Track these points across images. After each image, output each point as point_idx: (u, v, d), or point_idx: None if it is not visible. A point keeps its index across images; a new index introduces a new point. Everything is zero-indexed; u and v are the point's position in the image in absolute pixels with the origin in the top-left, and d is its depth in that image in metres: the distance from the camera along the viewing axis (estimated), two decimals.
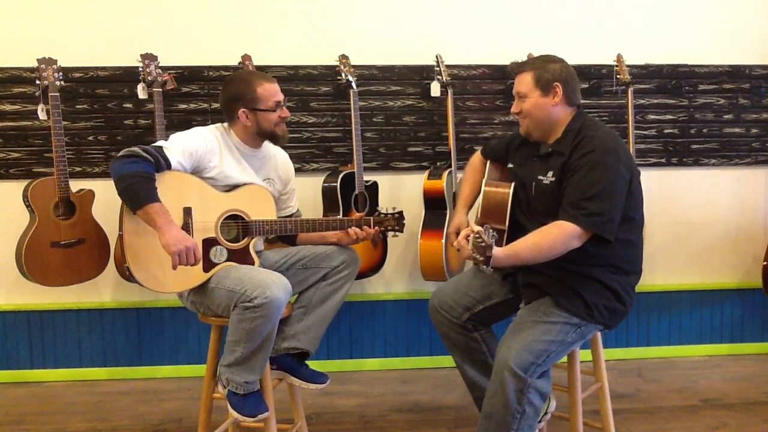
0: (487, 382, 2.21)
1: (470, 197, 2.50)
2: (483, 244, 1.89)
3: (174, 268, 2.15)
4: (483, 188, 2.33)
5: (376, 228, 2.50)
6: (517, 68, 2.28)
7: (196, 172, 2.31)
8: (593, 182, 2.06)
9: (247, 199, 2.36)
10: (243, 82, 2.39)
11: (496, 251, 1.93)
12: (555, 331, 2.11)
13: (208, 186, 2.32)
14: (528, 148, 2.34)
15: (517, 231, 2.17)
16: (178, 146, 2.26)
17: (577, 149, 2.13)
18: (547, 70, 2.20)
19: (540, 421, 2.24)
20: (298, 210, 2.66)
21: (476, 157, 2.56)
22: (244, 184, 2.38)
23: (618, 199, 2.08)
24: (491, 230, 1.94)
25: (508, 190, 2.28)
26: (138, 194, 2.14)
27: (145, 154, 2.17)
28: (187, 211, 2.26)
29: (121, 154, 2.18)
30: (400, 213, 2.56)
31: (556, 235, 2.04)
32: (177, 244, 2.13)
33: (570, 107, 2.23)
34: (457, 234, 2.33)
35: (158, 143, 2.27)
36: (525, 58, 3.29)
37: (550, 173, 2.19)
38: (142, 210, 2.14)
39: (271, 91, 2.38)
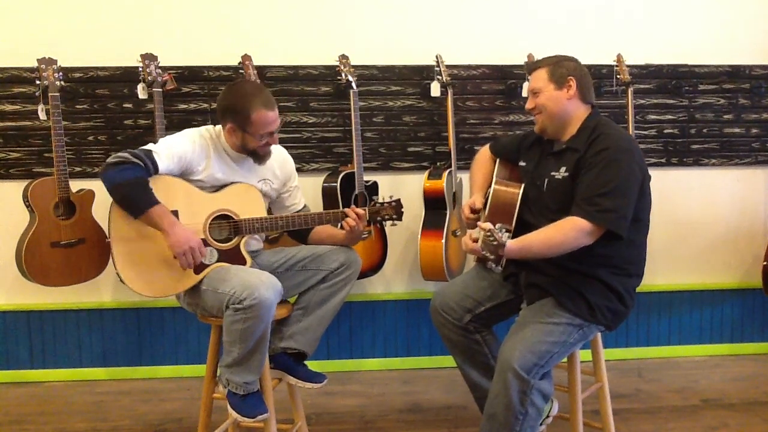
0: (488, 384, 2.21)
1: (485, 184, 2.47)
2: (495, 242, 1.88)
3: (183, 269, 2.21)
4: (493, 186, 2.32)
5: (365, 209, 2.44)
6: (533, 66, 2.31)
7: (185, 175, 2.31)
8: (608, 179, 2.07)
9: (234, 198, 2.35)
10: (242, 99, 2.28)
11: (509, 244, 1.94)
12: (558, 332, 2.12)
13: (194, 188, 2.31)
14: (541, 146, 2.34)
15: (522, 230, 2.16)
16: (167, 150, 2.25)
17: (592, 146, 2.14)
18: (561, 66, 2.23)
19: (541, 424, 2.24)
20: (305, 206, 2.62)
21: (485, 151, 2.55)
22: (231, 183, 2.36)
23: (631, 197, 2.09)
24: (504, 229, 1.92)
25: (518, 191, 2.27)
26: (138, 200, 2.15)
27: (135, 159, 2.17)
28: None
29: (110, 161, 2.17)
30: (398, 201, 2.51)
31: (569, 231, 2.05)
32: (182, 245, 2.17)
33: (584, 105, 2.25)
34: (470, 222, 2.35)
35: (147, 146, 2.26)
36: (525, 59, 3.33)
37: (563, 168, 2.19)
38: (144, 215, 2.15)
39: (265, 121, 2.27)
